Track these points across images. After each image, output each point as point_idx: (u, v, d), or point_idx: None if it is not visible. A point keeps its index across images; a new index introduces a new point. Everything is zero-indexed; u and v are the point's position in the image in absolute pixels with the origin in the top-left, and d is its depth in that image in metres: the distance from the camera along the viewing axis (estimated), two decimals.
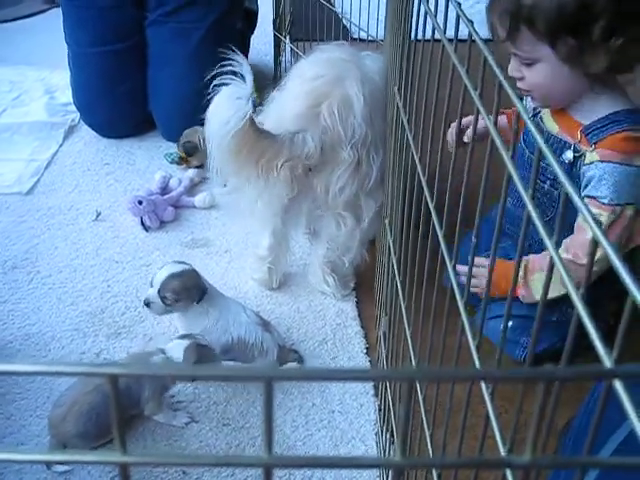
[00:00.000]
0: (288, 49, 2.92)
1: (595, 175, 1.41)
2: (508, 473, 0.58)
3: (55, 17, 2.77)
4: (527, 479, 0.42)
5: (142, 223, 2.10)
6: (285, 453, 1.47)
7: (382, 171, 1.70)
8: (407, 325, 1.13)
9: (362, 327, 1.79)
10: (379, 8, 2.38)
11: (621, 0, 1.29)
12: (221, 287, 1.71)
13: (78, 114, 2.65)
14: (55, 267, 1.95)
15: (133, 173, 2.39)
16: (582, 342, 0.52)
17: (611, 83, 1.44)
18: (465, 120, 1.50)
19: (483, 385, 0.69)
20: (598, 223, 0.46)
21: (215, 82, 1.54)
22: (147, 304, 1.58)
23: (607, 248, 0.44)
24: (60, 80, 2.87)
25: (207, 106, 1.55)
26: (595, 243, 0.45)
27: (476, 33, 0.69)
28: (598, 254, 0.45)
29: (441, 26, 0.83)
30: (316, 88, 1.64)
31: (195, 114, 1.71)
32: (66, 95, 2.73)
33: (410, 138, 1.10)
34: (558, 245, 0.53)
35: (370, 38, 2.59)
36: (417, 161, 1.04)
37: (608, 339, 0.44)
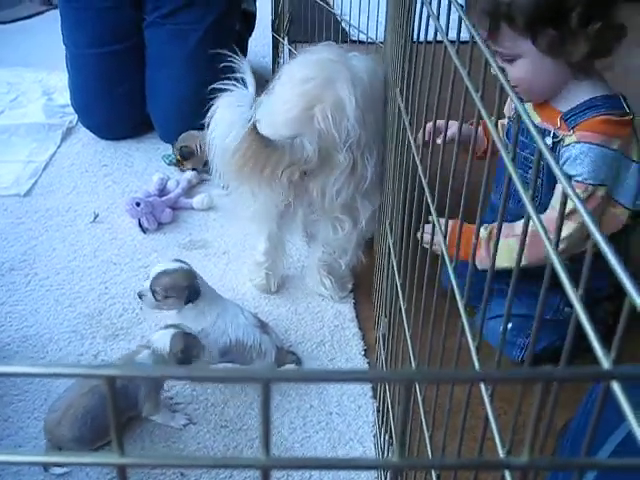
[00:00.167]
0: (286, 51, 2.92)
1: (572, 155, 1.44)
2: (507, 474, 0.58)
3: (53, 19, 2.77)
4: None
5: (140, 225, 2.10)
6: (283, 455, 1.47)
7: (377, 172, 1.70)
8: (407, 327, 1.13)
9: (360, 329, 1.78)
10: (379, 10, 2.38)
11: None
12: (219, 288, 1.71)
13: (76, 116, 2.65)
14: (53, 269, 1.95)
15: (131, 175, 2.39)
16: (581, 343, 0.52)
17: (591, 70, 1.48)
18: (440, 122, 1.50)
19: (483, 387, 0.69)
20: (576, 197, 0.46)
21: (216, 86, 1.52)
22: (140, 296, 1.59)
23: (592, 229, 0.44)
24: (58, 82, 2.88)
25: (206, 108, 1.54)
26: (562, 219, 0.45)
27: (478, 35, 0.69)
28: (566, 232, 0.46)
29: (443, 28, 0.84)
30: (307, 91, 1.63)
31: (193, 116, 1.71)
32: (64, 97, 2.73)
33: (411, 140, 1.10)
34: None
35: (369, 40, 2.59)
36: (418, 163, 1.04)
37: (606, 339, 0.44)
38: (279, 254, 1.88)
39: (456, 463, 0.42)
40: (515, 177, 0.59)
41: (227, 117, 1.50)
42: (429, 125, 1.24)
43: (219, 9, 2.50)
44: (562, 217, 0.51)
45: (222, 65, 1.56)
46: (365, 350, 1.72)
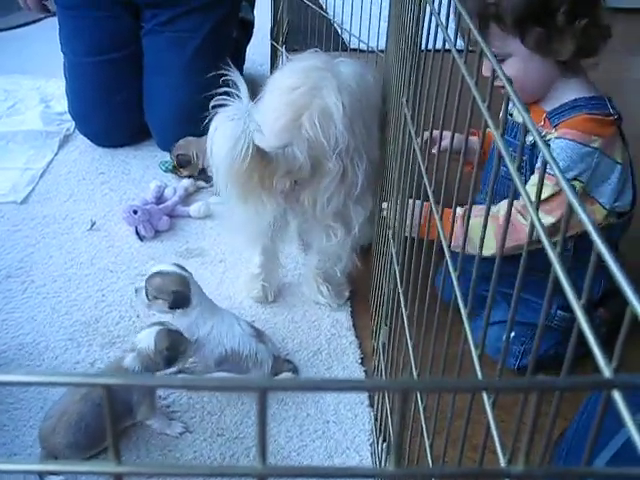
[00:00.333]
0: (284, 59, 2.93)
1: (550, 148, 1.44)
2: None
3: (50, 26, 2.77)
4: None
5: (137, 232, 2.10)
6: (279, 463, 1.46)
7: (368, 177, 1.70)
8: (409, 335, 1.13)
9: (357, 337, 1.78)
10: (380, 19, 2.39)
11: None
12: (216, 297, 1.71)
13: (73, 123, 2.65)
14: (49, 276, 1.94)
15: (128, 182, 2.39)
16: (577, 350, 0.52)
17: (578, 69, 1.52)
18: (436, 133, 1.51)
19: (485, 396, 0.69)
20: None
21: (212, 103, 1.51)
22: (136, 290, 1.60)
23: (582, 215, 0.44)
24: (56, 89, 2.88)
25: (203, 118, 1.53)
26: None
27: (486, 46, 0.69)
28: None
29: (452, 38, 0.84)
30: (294, 100, 1.63)
31: (190, 123, 1.71)
32: (61, 104, 2.73)
33: (417, 149, 1.10)
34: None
35: (369, 48, 2.60)
36: (424, 172, 1.05)
37: (604, 347, 0.44)
38: (274, 265, 1.89)
39: (456, 472, 0.41)
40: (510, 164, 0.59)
41: (225, 132, 1.49)
42: (426, 134, 1.26)
43: (217, 17, 2.50)
44: (539, 195, 0.51)
45: (219, 73, 1.56)
46: (362, 359, 1.72)
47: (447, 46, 0.86)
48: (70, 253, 2.04)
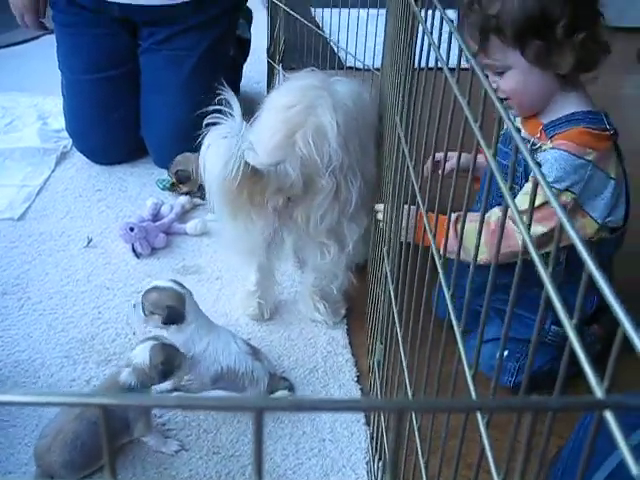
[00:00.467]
0: (281, 77, 2.94)
1: (543, 158, 1.48)
2: None
3: (48, 44, 2.78)
4: None
5: (133, 250, 2.10)
6: None
7: (363, 195, 1.71)
8: (403, 354, 1.13)
9: (353, 355, 1.78)
10: (375, 37, 2.40)
11: (577, 5, 1.42)
12: (212, 314, 1.71)
13: (70, 140, 2.65)
14: (46, 293, 1.94)
15: (125, 200, 2.40)
16: (571, 368, 0.52)
17: (577, 83, 1.53)
18: (438, 155, 1.53)
19: (479, 415, 0.69)
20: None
21: (206, 121, 1.52)
22: (134, 305, 1.60)
23: (570, 230, 0.45)
24: (53, 106, 2.88)
25: (199, 135, 1.54)
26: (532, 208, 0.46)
27: (478, 67, 0.70)
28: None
29: (444, 57, 0.85)
30: (289, 118, 1.64)
31: (187, 140, 1.71)
32: (59, 121, 2.74)
33: (411, 167, 1.11)
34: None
35: (365, 67, 2.61)
36: (417, 190, 1.05)
37: (597, 365, 0.45)
38: (270, 283, 1.89)
39: None
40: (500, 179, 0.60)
41: (218, 150, 1.50)
42: (430, 160, 1.28)
43: (214, 35, 2.51)
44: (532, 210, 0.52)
45: (216, 91, 1.57)
46: (358, 377, 1.72)
47: (440, 64, 0.87)
48: (66, 270, 2.04)
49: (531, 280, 0.73)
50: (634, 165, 1.65)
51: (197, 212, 2.33)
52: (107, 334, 1.80)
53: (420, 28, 1.03)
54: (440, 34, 0.89)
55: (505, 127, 1.64)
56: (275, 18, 2.89)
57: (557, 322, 1.60)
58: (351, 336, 1.85)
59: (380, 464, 1.38)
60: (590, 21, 1.45)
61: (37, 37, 3.55)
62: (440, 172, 0.97)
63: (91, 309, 1.89)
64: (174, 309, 1.55)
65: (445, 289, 0.85)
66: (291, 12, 2.78)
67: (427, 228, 0.97)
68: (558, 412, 0.42)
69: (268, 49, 2.93)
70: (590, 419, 1.15)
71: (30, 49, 3.61)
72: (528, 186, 1.47)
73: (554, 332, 1.61)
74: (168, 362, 1.45)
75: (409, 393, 1.07)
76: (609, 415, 0.40)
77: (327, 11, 2.63)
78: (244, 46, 2.97)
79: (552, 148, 1.48)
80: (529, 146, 1.54)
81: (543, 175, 0.53)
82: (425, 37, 0.98)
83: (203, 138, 1.51)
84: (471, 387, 0.74)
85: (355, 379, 1.71)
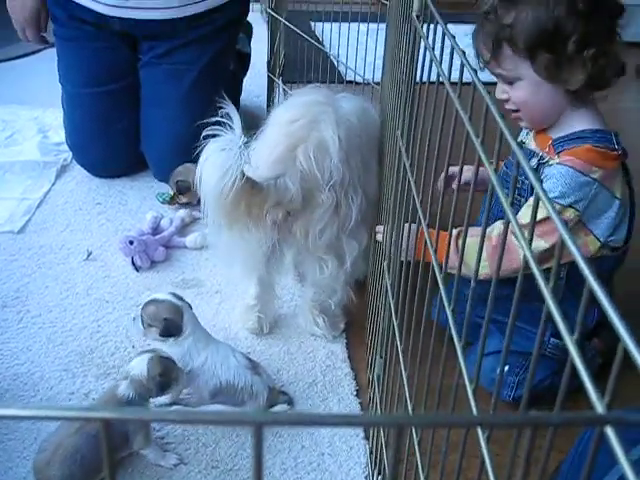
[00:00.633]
0: (281, 91, 2.95)
1: (549, 173, 1.49)
2: None
3: (49, 57, 2.79)
4: None
5: (133, 263, 2.10)
6: None
7: (363, 211, 1.71)
8: (403, 367, 1.13)
9: (352, 369, 1.78)
10: (375, 51, 2.41)
11: (589, 20, 1.42)
12: (212, 328, 1.71)
13: (70, 154, 2.66)
14: (45, 306, 1.94)
15: (125, 213, 2.40)
16: (572, 382, 0.52)
17: (588, 101, 1.54)
18: (451, 169, 1.54)
19: (479, 430, 0.69)
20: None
21: (205, 133, 1.53)
22: (134, 318, 1.60)
23: (569, 244, 0.45)
24: (53, 120, 2.89)
25: (198, 145, 1.54)
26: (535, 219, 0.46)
27: (479, 81, 0.71)
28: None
29: (445, 73, 0.85)
30: (292, 132, 1.65)
31: (187, 154, 1.71)
32: (59, 134, 2.74)
33: (412, 182, 1.11)
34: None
35: (365, 81, 2.61)
36: (418, 205, 1.05)
37: (597, 379, 0.45)
38: (270, 297, 1.89)
39: None
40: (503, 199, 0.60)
41: (215, 162, 1.50)
42: (443, 175, 1.29)
43: (214, 49, 2.52)
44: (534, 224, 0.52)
45: (217, 105, 1.57)
46: (357, 390, 1.71)
47: (441, 79, 0.87)
48: (66, 283, 2.04)
49: (532, 294, 0.73)
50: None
51: (197, 226, 2.34)
52: (106, 347, 1.80)
53: (422, 43, 1.03)
54: (442, 48, 0.89)
55: (518, 140, 1.65)
56: (275, 32, 2.90)
57: (557, 334, 1.60)
58: (350, 350, 1.85)
59: (379, 479, 1.38)
60: (603, 38, 1.45)
61: (38, 51, 3.55)
62: (454, 187, 0.97)
63: (90, 322, 1.89)
64: (171, 322, 1.55)
65: (446, 303, 0.86)
66: (291, 26, 2.79)
67: (428, 242, 0.97)
68: (559, 427, 0.42)
69: (268, 63, 2.94)
70: (590, 434, 1.15)
71: (31, 63, 3.62)
72: (531, 199, 1.47)
73: (553, 345, 1.61)
74: (166, 374, 1.45)
75: (409, 407, 1.07)
76: (610, 431, 0.40)
77: (327, 25, 2.64)
78: (244, 60, 2.98)
79: (558, 164, 1.48)
80: (537, 160, 1.55)
81: (544, 191, 0.54)
82: (427, 52, 0.99)
83: (202, 150, 1.51)
84: (472, 402, 0.74)
85: (354, 393, 1.71)
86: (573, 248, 0.48)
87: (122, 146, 2.56)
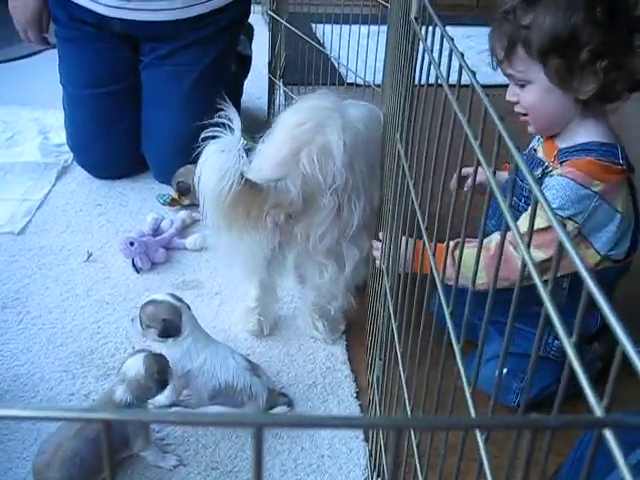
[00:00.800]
0: (282, 92, 2.95)
1: (550, 183, 1.48)
2: None
3: (50, 58, 2.79)
4: None
5: (133, 264, 2.10)
6: None
7: (365, 217, 1.71)
8: (402, 369, 1.13)
9: (352, 371, 1.78)
10: (376, 53, 2.41)
11: (606, 31, 1.40)
12: (212, 329, 1.71)
13: (71, 155, 2.66)
14: (45, 307, 1.94)
15: (125, 214, 2.40)
16: (573, 387, 0.52)
17: (598, 113, 1.52)
18: (465, 170, 1.54)
19: (478, 432, 0.69)
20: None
21: (204, 134, 1.53)
22: (132, 319, 1.60)
23: (571, 252, 0.45)
24: (54, 121, 2.89)
25: (197, 145, 1.54)
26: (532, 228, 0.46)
27: (478, 84, 0.71)
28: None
29: (444, 75, 0.85)
30: (296, 136, 1.65)
31: (188, 155, 1.71)
32: (60, 136, 2.74)
33: (411, 185, 1.11)
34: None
35: (365, 83, 2.62)
36: (417, 207, 1.05)
37: (597, 383, 0.45)
38: (271, 299, 1.89)
39: None
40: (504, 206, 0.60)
41: (214, 164, 1.51)
42: (456, 175, 1.28)
43: (215, 51, 2.52)
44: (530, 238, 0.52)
45: (216, 107, 1.57)
46: (357, 392, 1.71)
47: (440, 81, 0.87)
48: (66, 284, 2.04)
49: (531, 297, 0.73)
50: None
51: (197, 227, 2.34)
52: (106, 348, 1.80)
53: (421, 45, 1.03)
54: (440, 50, 0.90)
55: (528, 148, 1.65)
56: (276, 34, 2.91)
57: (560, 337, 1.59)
58: (350, 352, 1.85)
59: None
60: (619, 51, 1.43)
61: (38, 52, 3.55)
62: (466, 188, 0.97)
63: (90, 323, 1.89)
64: (170, 322, 1.55)
65: (444, 306, 0.86)
66: (292, 28, 2.79)
67: (426, 246, 0.97)
68: (557, 430, 0.42)
69: (269, 65, 2.94)
70: (589, 436, 1.15)
71: (31, 64, 3.62)
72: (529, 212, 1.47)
73: (557, 347, 1.61)
74: (163, 371, 1.45)
75: (408, 409, 1.07)
76: (608, 434, 0.40)
77: (328, 27, 2.65)
78: (245, 62, 2.98)
79: (559, 175, 1.48)
80: (542, 169, 1.55)
81: (546, 198, 0.54)
82: (425, 54, 0.99)
83: (199, 152, 1.52)
84: (470, 404, 0.74)
85: (354, 395, 1.71)
86: (575, 255, 0.48)
87: (123, 147, 2.56)
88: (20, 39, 2.60)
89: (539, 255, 1.37)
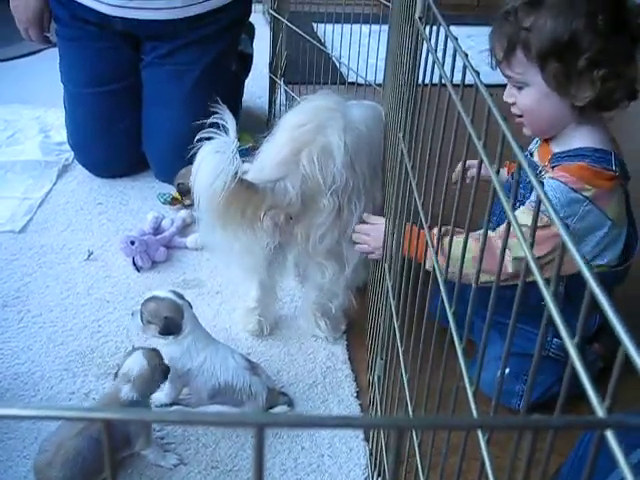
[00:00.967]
0: (282, 92, 2.95)
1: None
2: None
3: (51, 57, 2.79)
4: None
5: (134, 263, 2.10)
6: None
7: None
8: (404, 369, 1.13)
9: (352, 370, 1.78)
10: (377, 53, 2.41)
11: (607, 40, 1.39)
12: (212, 328, 1.71)
13: (72, 153, 2.66)
14: (46, 306, 1.94)
15: (126, 213, 2.40)
16: (575, 388, 0.52)
17: (594, 119, 1.51)
18: (469, 162, 1.54)
19: (480, 433, 0.69)
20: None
21: (199, 135, 1.54)
22: (132, 313, 1.61)
23: (573, 252, 0.45)
24: (55, 119, 2.89)
25: (194, 148, 1.55)
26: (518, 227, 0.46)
27: (481, 84, 0.71)
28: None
29: (448, 75, 0.85)
30: (297, 136, 1.65)
31: (189, 155, 1.72)
32: (61, 134, 2.75)
33: (413, 184, 1.11)
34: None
35: (366, 83, 2.61)
36: (420, 207, 1.05)
37: (598, 383, 0.45)
38: (271, 299, 1.89)
39: None
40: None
41: (209, 164, 1.51)
42: (460, 165, 1.28)
43: (216, 50, 2.52)
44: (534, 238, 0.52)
45: (214, 107, 1.57)
46: (357, 392, 1.71)
47: (444, 81, 0.87)
48: (67, 283, 2.04)
49: (531, 296, 0.73)
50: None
51: (198, 226, 2.33)
52: (107, 347, 1.80)
53: (424, 45, 1.03)
54: (444, 50, 0.89)
55: (525, 152, 1.65)
56: (277, 33, 2.90)
57: (559, 335, 1.58)
58: (351, 351, 1.85)
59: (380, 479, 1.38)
60: (619, 60, 1.42)
61: (40, 50, 3.56)
62: (468, 180, 0.96)
63: (91, 322, 1.89)
64: (171, 320, 1.55)
65: (447, 306, 0.86)
66: (293, 27, 2.79)
67: (429, 245, 0.97)
68: (559, 431, 0.42)
69: (270, 64, 2.94)
70: (590, 436, 1.15)
71: (33, 62, 3.62)
72: (521, 210, 1.46)
73: (557, 345, 1.60)
74: (163, 361, 1.49)
75: (409, 409, 1.07)
76: (610, 434, 0.40)
77: (329, 26, 2.64)
78: (246, 61, 2.98)
79: (551, 178, 1.47)
80: (535, 173, 1.55)
81: (549, 198, 0.54)
82: (429, 54, 0.99)
83: (197, 152, 1.53)
84: (472, 404, 0.74)
85: (355, 395, 1.71)
86: (576, 255, 0.48)
87: (124, 146, 2.56)
88: (21, 38, 2.60)
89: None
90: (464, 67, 0.77)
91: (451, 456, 0.84)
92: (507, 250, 1.39)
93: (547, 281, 0.56)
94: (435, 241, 0.91)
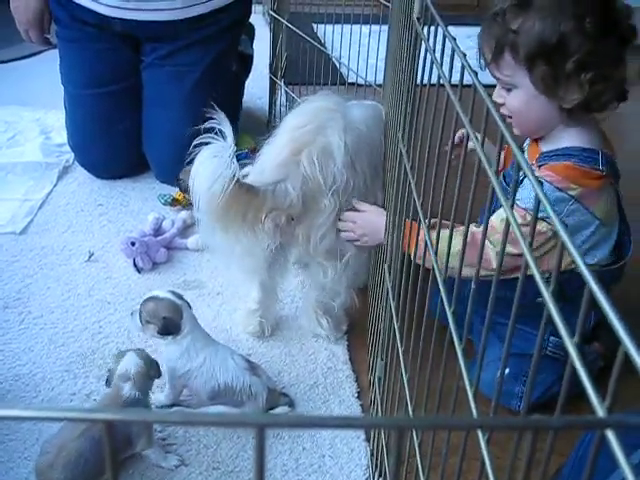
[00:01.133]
0: (283, 92, 2.95)
1: (526, 183, 1.45)
2: None
3: (51, 58, 2.79)
4: None
5: (135, 264, 2.10)
6: None
7: None
8: (404, 370, 1.13)
9: (353, 371, 1.78)
10: (377, 53, 2.41)
11: (596, 42, 1.38)
12: (213, 329, 1.71)
13: (72, 155, 2.66)
14: (47, 307, 1.94)
15: (126, 214, 2.40)
16: (575, 388, 0.52)
17: (585, 121, 1.51)
18: (460, 132, 1.55)
19: (480, 433, 0.69)
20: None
21: (197, 140, 1.54)
22: (132, 313, 1.61)
23: (571, 249, 0.45)
24: (55, 121, 2.90)
25: (192, 153, 1.55)
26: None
27: (480, 84, 0.71)
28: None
29: (446, 75, 0.85)
30: (297, 137, 1.65)
31: (188, 158, 1.72)
32: (61, 136, 2.75)
33: (412, 184, 1.11)
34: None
35: (367, 83, 2.61)
36: (419, 207, 1.05)
37: (599, 382, 0.45)
38: (272, 301, 1.89)
39: None
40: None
41: (207, 169, 1.52)
42: (459, 133, 1.29)
43: (216, 51, 2.52)
44: (533, 238, 0.52)
45: (213, 110, 1.58)
46: (358, 393, 1.71)
47: (442, 81, 0.87)
48: (68, 284, 2.04)
49: (529, 295, 0.73)
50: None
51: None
52: (108, 348, 1.80)
53: (423, 45, 1.03)
54: (443, 50, 0.89)
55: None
56: (277, 34, 2.90)
57: (556, 333, 1.58)
58: (351, 352, 1.85)
59: None
60: (607, 63, 1.41)
61: (40, 52, 3.56)
62: (460, 152, 0.96)
63: (92, 323, 1.89)
64: (170, 320, 1.55)
65: (447, 306, 0.86)
66: (293, 28, 2.79)
67: (428, 245, 0.97)
68: (560, 431, 0.42)
69: (270, 65, 2.94)
70: (591, 436, 1.14)
71: (33, 64, 3.62)
72: (501, 211, 1.45)
73: (554, 343, 1.60)
74: (153, 358, 1.52)
75: (410, 409, 1.07)
76: (610, 434, 0.40)
77: (329, 27, 2.64)
78: (246, 62, 2.98)
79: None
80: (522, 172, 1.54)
81: (547, 197, 0.54)
82: (428, 54, 0.99)
83: (193, 157, 1.54)
84: (472, 404, 0.74)
85: (355, 395, 1.71)
86: (575, 254, 0.48)
87: (124, 147, 2.57)
88: (21, 39, 2.60)
89: (509, 249, 1.36)
90: (462, 67, 0.77)
91: (451, 456, 0.84)
92: (491, 245, 1.40)
93: (529, 278, 0.57)
94: (424, 234, 0.91)
